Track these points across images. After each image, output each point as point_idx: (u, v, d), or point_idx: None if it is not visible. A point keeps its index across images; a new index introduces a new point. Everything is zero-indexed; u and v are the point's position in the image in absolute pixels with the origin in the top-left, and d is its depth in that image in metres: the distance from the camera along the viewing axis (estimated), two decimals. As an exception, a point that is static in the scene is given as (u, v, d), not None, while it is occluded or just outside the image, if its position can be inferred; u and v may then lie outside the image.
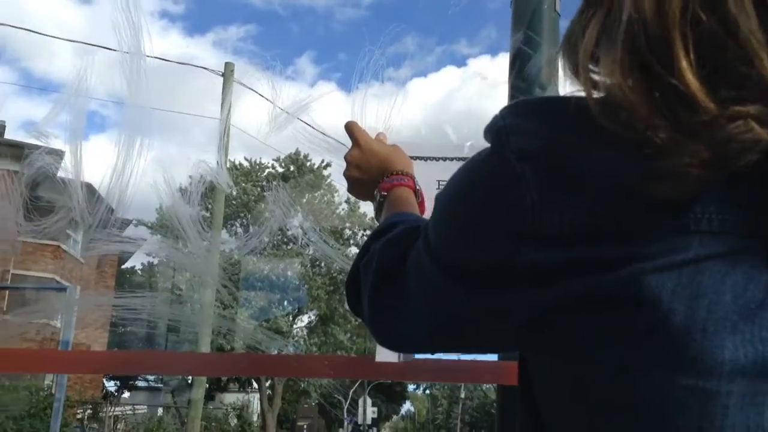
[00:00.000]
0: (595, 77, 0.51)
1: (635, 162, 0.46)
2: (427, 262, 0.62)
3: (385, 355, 1.23)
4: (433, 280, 0.61)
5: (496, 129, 0.56)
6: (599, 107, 0.48)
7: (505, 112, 0.57)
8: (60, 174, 1.53)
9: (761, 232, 0.46)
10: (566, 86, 0.56)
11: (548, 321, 0.51)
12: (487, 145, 0.57)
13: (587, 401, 0.51)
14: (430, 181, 1.11)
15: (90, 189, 1.53)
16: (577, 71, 0.53)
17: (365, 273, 0.77)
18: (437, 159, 1.11)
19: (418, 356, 1.21)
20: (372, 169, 1.06)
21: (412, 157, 1.11)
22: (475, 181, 0.57)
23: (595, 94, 0.50)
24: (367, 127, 1.12)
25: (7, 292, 17.39)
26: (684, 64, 0.45)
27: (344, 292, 0.86)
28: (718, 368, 0.44)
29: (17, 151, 11.69)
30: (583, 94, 0.52)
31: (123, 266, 27.07)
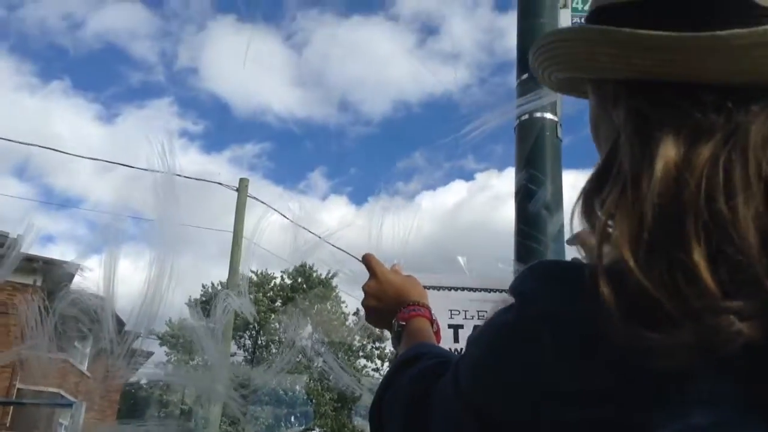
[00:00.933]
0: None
1: (641, 334, 0.49)
2: (453, 399, 0.66)
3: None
4: (458, 417, 0.65)
5: (518, 292, 0.61)
6: (606, 278, 0.52)
7: (526, 275, 0.62)
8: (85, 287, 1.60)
9: (759, 403, 0.48)
10: (573, 216, 0.61)
11: None
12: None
13: None
14: (443, 310, 1.17)
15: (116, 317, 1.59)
16: (592, 229, 0.58)
17: (393, 405, 0.81)
18: (449, 289, 1.17)
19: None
20: (389, 299, 1.11)
21: (425, 287, 1.17)
22: (501, 338, 0.61)
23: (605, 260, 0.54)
24: (381, 248, 1.18)
25: (11, 407, 17.00)
26: (694, 244, 0.49)
27: (368, 417, 0.88)
28: None
29: (32, 264, 11.82)
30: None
31: (129, 380, 26.53)
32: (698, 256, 0.48)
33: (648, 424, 0.49)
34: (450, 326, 1.13)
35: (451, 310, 1.15)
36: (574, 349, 0.53)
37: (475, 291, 1.18)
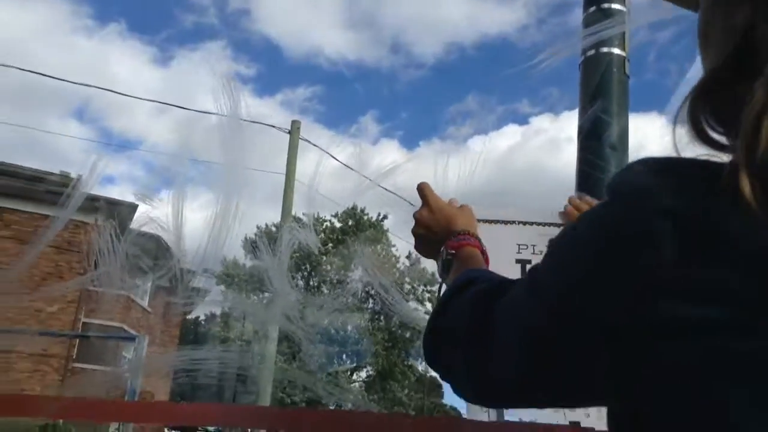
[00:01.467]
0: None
1: None
2: (532, 308, 0.63)
3: (474, 412, 1.23)
4: (534, 322, 0.62)
5: (627, 185, 0.57)
6: (748, 172, 0.50)
7: (639, 169, 0.57)
8: (153, 230, 1.63)
9: None
10: (640, 152, 0.59)
11: (664, 375, 0.52)
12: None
13: None
14: (510, 244, 1.13)
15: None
16: (705, 134, 0.57)
17: (450, 332, 0.78)
18: (518, 223, 1.13)
19: (507, 417, 1.20)
20: (439, 227, 1.08)
21: (491, 221, 1.14)
22: (608, 234, 0.56)
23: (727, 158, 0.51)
24: (439, 190, 1.15)
25: (77, 340, 17.87)
26: None
27: (423, 349, 0.85)
28: None
29: (93, 203, 12.21)
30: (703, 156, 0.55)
31: (187, 316, 27.58)
32: None
33: None
34: (518, 261, 1.10)
35: (519, 245, 1.11)
36: (702, 244, 0.50)
37: (544, 225, 1.13)
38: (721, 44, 0.61)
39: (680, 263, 0.50)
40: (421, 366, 30.92)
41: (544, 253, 0.65)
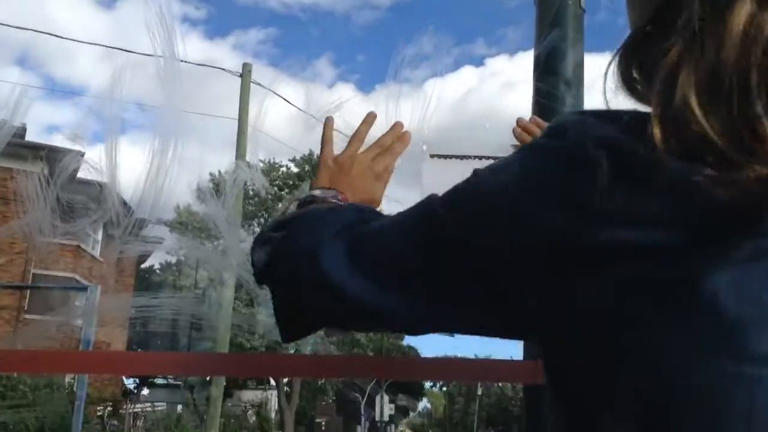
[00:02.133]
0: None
1: (701, 169, 0.50)
2: (438, 236, 0.63)
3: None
4: (446, 259, 0.62)
5: (573, 119, 0.59)
6: (663, 124, 0.52)
7: (570, 114, 0.61)
8: (91, 176, 1.54)
9: None
10: (593, 91, 0.59)
11: (591, 302, 0.53)
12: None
13: (621, 392, 0.53)
14: (462, 178, 1.10)
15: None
16: (631, 87, 0.59)
17: (316, 225, 0.74)
18: (473, 158, 1.09)
19: (459, 355, 1.19)
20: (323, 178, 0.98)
21: (446, 156, 1.10)
22: (541, 162, 0.59)
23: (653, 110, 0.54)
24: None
25: (28, 291, 17.58)
26: (755, 94, 0.50)
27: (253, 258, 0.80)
28: (761, 357, 0.49)
29: (38, 152, 11.83)
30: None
31: (142, 265, 27.29)
32: (761, 110, 0.49)
33: (702, 251, 0.50)
34: None
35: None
36: (632, 173, 0.53)
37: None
38: (645, 1, 0.63)
39: (613, 190, 0.53)
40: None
41: (467, 178, 0.64)
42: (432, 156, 1.08)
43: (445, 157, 1.09)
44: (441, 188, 1.11)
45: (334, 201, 0.90)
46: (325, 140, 1.04)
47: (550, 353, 0.60)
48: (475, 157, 1.09)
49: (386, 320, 0.69)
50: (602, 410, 0.54)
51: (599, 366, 0.54)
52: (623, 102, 0.60)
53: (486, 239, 0.59)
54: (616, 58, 0.60)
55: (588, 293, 0.54)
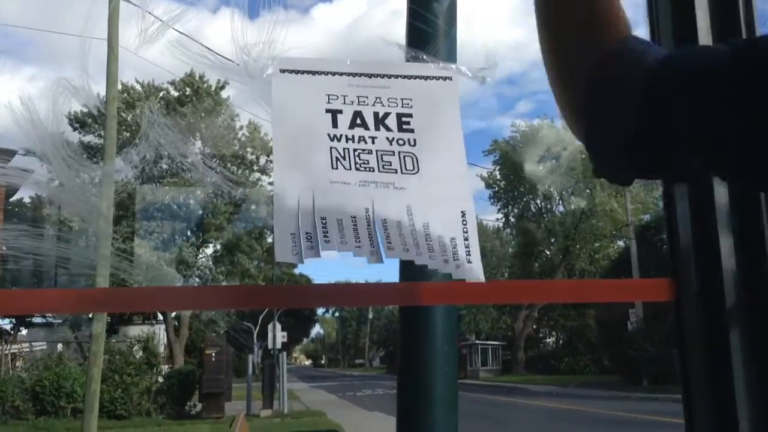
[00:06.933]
0: None
1: None
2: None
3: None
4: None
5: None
6: None
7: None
8: None
9: None
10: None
11: None
12: None
13: None
14: (320, 94, 1.03)
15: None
16: None
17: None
18: (327, 74, 1.02)
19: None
20: None
21: (298, 71, 1.03)
22: None
23: None
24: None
25: None
26: None
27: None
28: None
29: None
30: None
31: (11, 199, 25.54)
32: None
33: None
34: (327, 111, 1.02)
35: (329, 95, 1.03)
36: None
37: (355, 76, 1.06)
38: None
39: None
40: (270, 238, 31.22)
41: None
42: (282, 71, 1.02)
43: (297, 72, 1.03)
44: (291, 103, 1.04)
45: None
46: None
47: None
48: (327, 72, 1.02)
49: None
50: None
51: None
52: None
53: None
54: None
55: None
